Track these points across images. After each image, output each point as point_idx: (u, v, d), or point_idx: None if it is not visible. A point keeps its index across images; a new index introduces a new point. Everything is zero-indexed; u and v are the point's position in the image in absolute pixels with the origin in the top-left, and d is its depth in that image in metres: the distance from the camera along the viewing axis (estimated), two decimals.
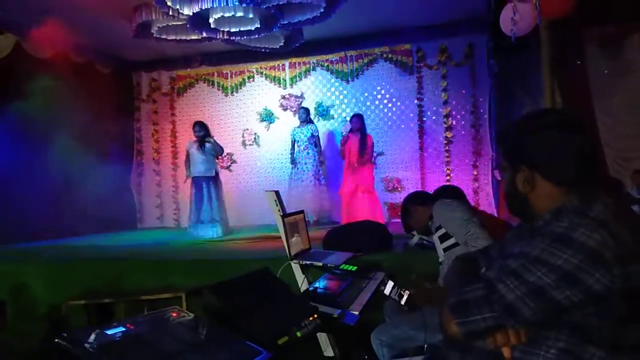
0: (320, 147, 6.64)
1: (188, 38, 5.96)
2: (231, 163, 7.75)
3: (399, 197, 6.82)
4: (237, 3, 4.70)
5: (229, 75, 7.79)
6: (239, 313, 1.69)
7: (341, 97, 7.42)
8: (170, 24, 5.53)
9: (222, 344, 1.49)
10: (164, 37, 5.87)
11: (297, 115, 6.85)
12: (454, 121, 6.95)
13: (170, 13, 4.98)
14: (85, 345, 1.28)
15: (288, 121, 7.44)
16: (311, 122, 6.65)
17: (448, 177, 6.91)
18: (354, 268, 2.76)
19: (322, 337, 2.75)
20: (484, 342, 1.10)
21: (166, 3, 4.75)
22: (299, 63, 7.49)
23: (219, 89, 7.86)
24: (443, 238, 2.44)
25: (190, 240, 5.66)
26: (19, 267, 4.06)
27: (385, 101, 7.23)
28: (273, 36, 6.06)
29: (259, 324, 1.65)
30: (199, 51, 7.27)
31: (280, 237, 2.76)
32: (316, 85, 7.52)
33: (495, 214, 6.09)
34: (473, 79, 6.79)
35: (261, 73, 7.69)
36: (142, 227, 7.88)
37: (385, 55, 7.15)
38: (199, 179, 5.93)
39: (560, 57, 4.10)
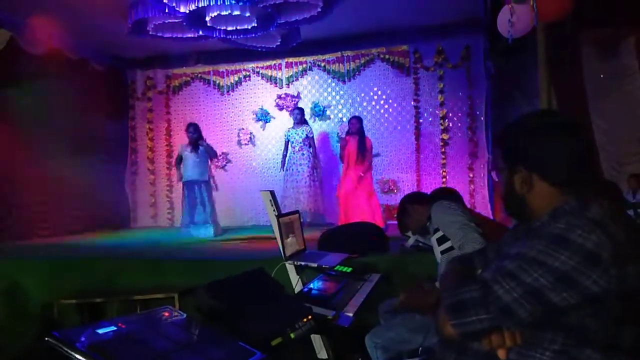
0: (315, 148, 6.62)
1: (184, 36, 5.93)
2: (226, 163, 7.72)
3: (394, 199, 6.82)
4: (233, 1, 4.68)
5: (225, 74, 7.77)
6: (233, 313, 1.67)
7: (337, 97, 7.41)
8: (166, 21, 5.50)
9: (214, 344, 1.48)
10: (159, 34, 5.84)
11: (291, 116, 6.83)
12: (450, 123, 6.96)
13: (167, 10, 4.95)
14: (76, 344, 1.26)
15: (284, 121, 7.41)
16: (306, 123, 6.62)
17: (444, 179, 6.91)
18: (349, 269, 2.75)
19: (316, 339, 2.73)
20: (479, 343, 1.09)
21: (162, 0, 4.72)
22: (296, 63, 7.48)
23: (214, 88, 7.83)
24: (441, 240, 2.43)
25: (184, 240, 5.63)
26: (12, 266, 4.02)
27: (382, 102, 7.23)
28: (270, 35, 6.04)
29: (252, 324, 1.64)
30: (195, 49, 7.23)
31: (274, 238, 2.75)
32: (312, 85, 7.50)
33: (491, 217, 6.09)
34: (470, 80, 6.80)
35: (257, 72, 7.66)
36: (136, 226, 7.84)
37: (382, 56, 7.15)
38: (191, 182, 5.90)
39: (557, 59, 4.10)
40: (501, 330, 1.06)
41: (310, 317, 1.87)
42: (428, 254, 3.29)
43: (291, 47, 6.46)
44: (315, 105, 7.44)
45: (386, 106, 7.22)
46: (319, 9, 5.18)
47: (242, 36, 5.65)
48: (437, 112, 7.00)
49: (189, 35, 5.88)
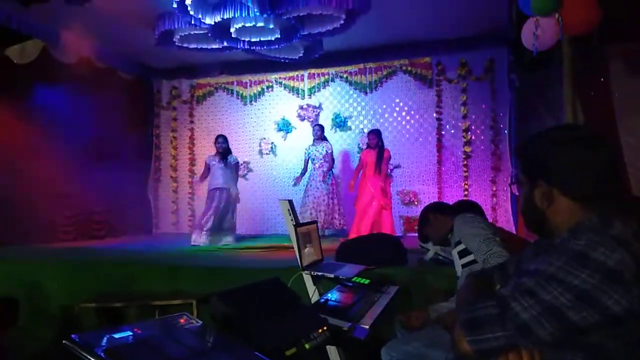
0: (333, 164, 6.59)
1: (209, 47, 6.04)
2: (247, 172, 7.79)
3: (415, 211, 6.76)
4: (258, 13, 4.76)
5: (248, 84, 7.87)
6: (247, 321, 1.67)
7: (359, 108, 7.43)
8: (192, 32, 5.61)
9: (229, 353, 1.48)
10: (185, 45, 5.96)
11: (312, 132, 6.84)
12: (473, 136, 6.89)
13: (192, 22, 5.05)
14: (94, 348, 1.28)
15: (305, 131, 7.46)
16: (325, 139, 6.62)
17: (465, 192, 6.83)
18: (367, 281, 2.72)
19: (332, 350, 2.71)
20: None
21: (189, 12, 4.82)
22: (318, 74, 7.53)
23: (237, 98, 7.94)
24: (462, 254, 2.39)
25: (203, 247, 5.67)
26: (35, 268, 4.12)
27: (404, 114, 7.21)
28: (293, 47, 6.11)
29: (267, 334, 1.63)
30: (220, 60, 7.35)
31: (292, 248, 2.74)
32: (334, 97, 7.54)
33: (514, 232, 5.98)
34: (493, 93, 6.74)
35: (280, 83, 7.74)
36: (158, 233, 7.95)
37: (404, 68, 7.14)
38: (215, 190, 5.95)
39: (583, 73, 4.03)
40: (519, 349, 1.03)
41: (325, 328, 1.85)
42: (447, 268, 3.25)
43: (314, 58, 6.52)
44: (337, 116, 7.46)
45: (408, 117, 7.20)
46: (342, 22, 5.22)
47: (265, 47, 5.73)
48: (459, 124, 6.94)
49: (214, 46, 5.99)
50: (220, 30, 5.25)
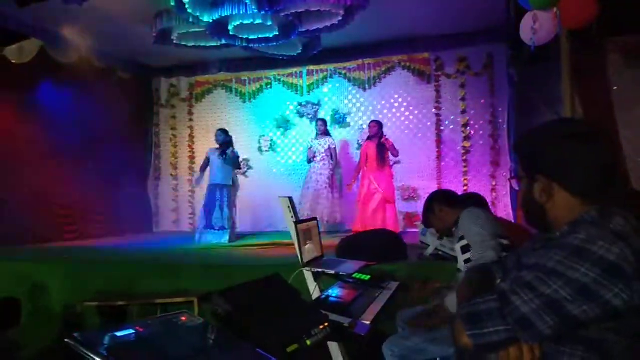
0: (337, 160, 6.62)
1: (207, 45, 6.03)
2: (247, 169, 7.79)
3: (414, 207, 6.78)
4: (256, 10, 4.74)
5: (247, 81, 7.86)
6: (249, 319, 1.68)
7: (358, 104, 7.42)
8: (190, 30, 5.60)
9: (230, 350, 1.48)
10: (183, 43, 5.95)
11: (314, 126, 6.83)
12: (472, 131, 6.89)
13: (190, 20, 5.04)
14: (95, 347, 1.29)
15: (304, 128, 7.45)
16: (328, 134, 6.63)
17: (465, 187, 6.83)
18: (367, 277, 2.73)
19: (333, 347, 2.71)
20: (496, 356, 1.06)
21: (186, 10, 4.81)
22: (317, 70, 7.52)
23: (236, 96, 7.93)
24: (465, 249, 2.37)
25: (204, 245, 5.68)
26: (37, 267, 4.12)
27: (403, 109, 7.20)
28: (291, 43, 6.10)
29: (268, 331, 1.64)
30: (218, 58, 7.34)
31: (293, 244, 2.75)
32: (333, 93, 7.53)
33: None
34: (492, 88, 6.73)
35: (279, 80, 7.73)
36: (158, 231, 7.95)
37: (403, 64, 7.13)
38: (214, 186, 5.96)
39: (581, 67, 4.02)
40: (519, 343, 1.03)
41: (326, 324, 1.86)
42: (447, 263, 3.26)
43: (312, 55, 6.50)
44: (336, 113, 7.46)
45: (407, 113, 7.19)
46: (340, 18, 5.20)
47: (264, 44, 5.72)
48: (458, 119, 6.94)
49: (212, 44, 5.97)
50: (219, 28, 5.23)
